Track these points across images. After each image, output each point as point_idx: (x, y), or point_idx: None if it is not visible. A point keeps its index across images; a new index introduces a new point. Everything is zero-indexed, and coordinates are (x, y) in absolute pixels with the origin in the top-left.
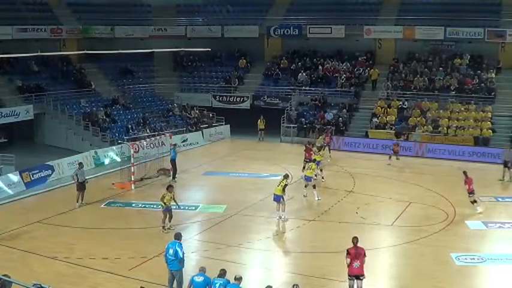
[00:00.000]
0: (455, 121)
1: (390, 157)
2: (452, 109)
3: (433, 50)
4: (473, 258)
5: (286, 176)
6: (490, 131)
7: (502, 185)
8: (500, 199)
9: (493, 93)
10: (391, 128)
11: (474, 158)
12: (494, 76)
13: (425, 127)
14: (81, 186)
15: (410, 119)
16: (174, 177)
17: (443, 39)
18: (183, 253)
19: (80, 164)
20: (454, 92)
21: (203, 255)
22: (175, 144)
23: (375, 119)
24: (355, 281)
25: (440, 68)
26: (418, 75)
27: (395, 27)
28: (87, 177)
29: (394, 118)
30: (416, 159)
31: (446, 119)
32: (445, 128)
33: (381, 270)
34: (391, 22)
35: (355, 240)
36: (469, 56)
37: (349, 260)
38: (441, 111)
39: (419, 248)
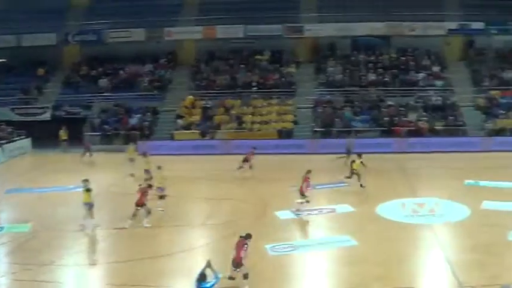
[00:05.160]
0: (259, 116)
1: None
2: (255, 105)
3: (234, 48)
4: (286, 247)
5: (85, 181)
6: (292, 123)
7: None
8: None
9: (293, 87)
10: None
11: (279, 150)
12: (294, 70)
13: (230, 124)
14: None
15: (215, 117)
16: None
17: (244, 36)
18: None
19: None
20: (256, 88)
21: (14, 278)
22: None
23: (179, 121)
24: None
25: (242, 66)
26: (221, 74)
27: (195, 28)
28: None
29: (199, 118)
30: (224, 157)
31: (250, 115)
32: (249, 124)
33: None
34: (192, 23)
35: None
36: (269, 52)
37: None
38: (244, 107)
39: (232, 243)
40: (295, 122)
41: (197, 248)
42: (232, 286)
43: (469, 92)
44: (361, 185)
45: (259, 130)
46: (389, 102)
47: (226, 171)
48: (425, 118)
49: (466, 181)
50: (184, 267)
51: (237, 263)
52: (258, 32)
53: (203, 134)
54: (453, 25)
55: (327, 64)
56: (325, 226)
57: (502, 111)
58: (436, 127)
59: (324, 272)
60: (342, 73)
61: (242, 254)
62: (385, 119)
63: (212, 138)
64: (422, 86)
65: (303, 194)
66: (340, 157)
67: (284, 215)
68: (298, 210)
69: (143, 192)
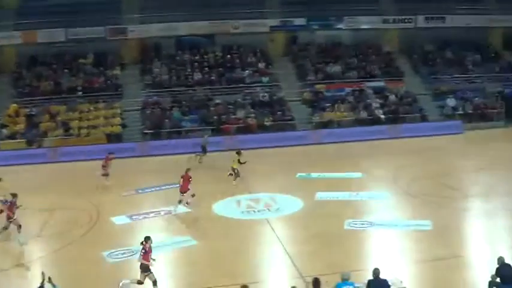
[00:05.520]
0: (86, 121)
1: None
2: (81, 110)
3: (56, 53)
4: (124, 253)
5: None
6: (120, 126)
7: (136, 176)
8: (140, 191)
9: (120, 89)
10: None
11: None
12: (119, 72)
13: (56, 131)
14: None
15: (41, 124)
16: None
17: (66, 40)
18: None
19: None
20: (81, 93)
21: None
22: None
23: (4, 130)
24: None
25: (66, 70)
26: (44, 79)
27: (14, 33)
28: None
29: (24, 126)
30: (51, 165)
31: (77, 120)
32: (76, 130)
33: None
34: (10, 28)
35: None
36: (92, 55)
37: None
38: (71, 113)
39: (69, 253)
40: (123, 125)
41: (33, 261)
42: None
43: (295, 86)
44: (230, 174)
45: (87, 135)
46: (217, 101)
47: (56, 180)
48: (253, 115)
49: (298, 174)
50: (22, 284)
51: (144, 268)
52: (80, 35)
53: (30, 143)
54: (276, 22)
55: (153, 65)
56: (163, 228)
57: (327, 104)
58: (265, 123)
59: (166, 273)
60: (168, 73)
61: (149, 257)
62: (214, 117)
63: (39, 147)
64: (249, 83)
65: (183, 192)
66: (196, 156)
67: (120, 220)
68: (188, 203)
69: None
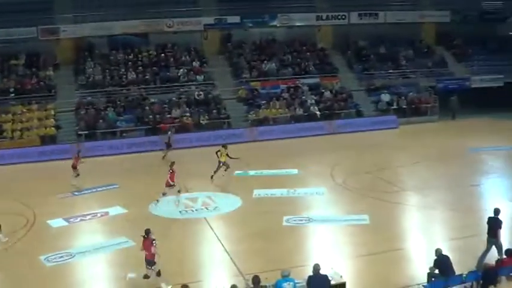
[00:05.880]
0: (20, 123)
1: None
2: (14, 112)
3: None
4: (63, 256)
5: None
6: (54, 128)
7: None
8: (76, 193)
9: (53, 91)
10: None
11: (44, 157)
12: (52, 73)
13: None
14: None
15: None
16: None
17: None
18: None
19: None
20: (13, 94)
21: None
22: None
23: None
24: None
25: None
26: None
27: None
28: None
29: None
30: None
31: (10, 123)
32: (10, 132)
33: None
34: None
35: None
36: (24, 56)
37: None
38: (3, 115)
39: (5, 258)
40: (57, 127)
41: None
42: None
43: (230, 84)
44: (212, 176)
45: (20, 138)
46: (152, 100)
47: None
48: (188, 113)
49: (236, 172)
50: None
51: (149, 261)
52: (11, 35)
53: None
54: (210, 20)
55: (86, 65)
56: (100, 230)
57: (263, 102)
58: (201, 121)
59: (106, 276)
60: (102, 73)
61: (153, 250)
62: (150, 117)
63: None
64: (184, 82)
65: (169, 185)
66: (165, 153)
67: (56, 223)
68: (179, 193)
69: None
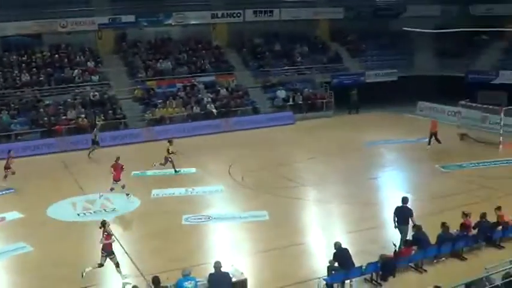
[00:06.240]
0: None
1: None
2: None
3: None
4: None
5: None
6: None
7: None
8: None
9: None
10: None
11: None
12: None
13: None
14: None
15: None
16: None
17: None
18: None
19: None
20: None
21: None
22: None
23: None
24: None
25: None
26: None
27: None
28: None
29: None
30: None
31: None
32: None
33: None
34: None
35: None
36: None
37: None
38: None
39: None
40: None
41: None
42: None
43: (126, 84)
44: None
45: None
46: (47, 102)
47: None
48: (84, 115)
49: (133, 172)
50: None
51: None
52: None
53: None
54: (104, 19)
55: None
56: None
57: (159, 101)
58: (97, 122)
59: (5, 282)
60: None
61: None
62: (45, 119)
63: None
64: (79, 83)
65: (116, 180)
66: (91, 151)
67: None
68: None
69: None
